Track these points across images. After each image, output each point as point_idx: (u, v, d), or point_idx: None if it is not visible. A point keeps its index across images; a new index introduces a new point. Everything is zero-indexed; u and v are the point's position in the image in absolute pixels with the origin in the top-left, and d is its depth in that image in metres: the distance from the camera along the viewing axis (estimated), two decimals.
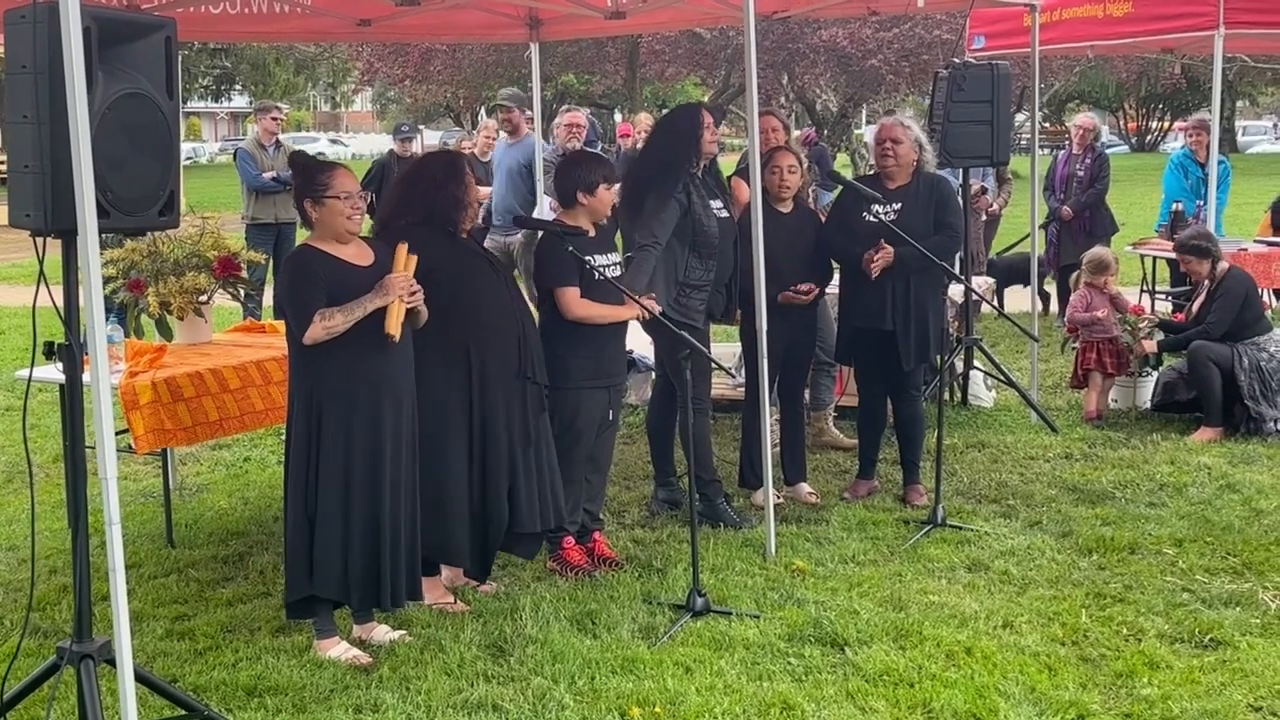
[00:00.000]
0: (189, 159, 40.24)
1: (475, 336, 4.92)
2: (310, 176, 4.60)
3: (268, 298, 7.22)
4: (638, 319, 5.46)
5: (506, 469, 5.00)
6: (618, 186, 5.86)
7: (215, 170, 42.75)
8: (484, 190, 11.70)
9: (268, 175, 11.17)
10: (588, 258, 5.23)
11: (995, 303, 8.94)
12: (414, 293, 4.55)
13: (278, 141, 11.63)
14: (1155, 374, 8.16)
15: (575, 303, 5.28)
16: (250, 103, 54.24)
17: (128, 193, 3.53)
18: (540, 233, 5.56)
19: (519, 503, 5.03)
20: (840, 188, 6.55)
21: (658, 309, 5.44)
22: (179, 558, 5.85)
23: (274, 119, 11.70)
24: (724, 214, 6.07)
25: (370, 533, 4.57)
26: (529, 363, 5.02)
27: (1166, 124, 52.52)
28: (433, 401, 4.81)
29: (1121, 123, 55.49)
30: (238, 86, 55.09)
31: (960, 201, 7.44)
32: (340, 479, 4.52)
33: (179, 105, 3.70)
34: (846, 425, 7.63)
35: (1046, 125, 46.95)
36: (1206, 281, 7.88)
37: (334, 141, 63.68)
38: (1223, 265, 7.82)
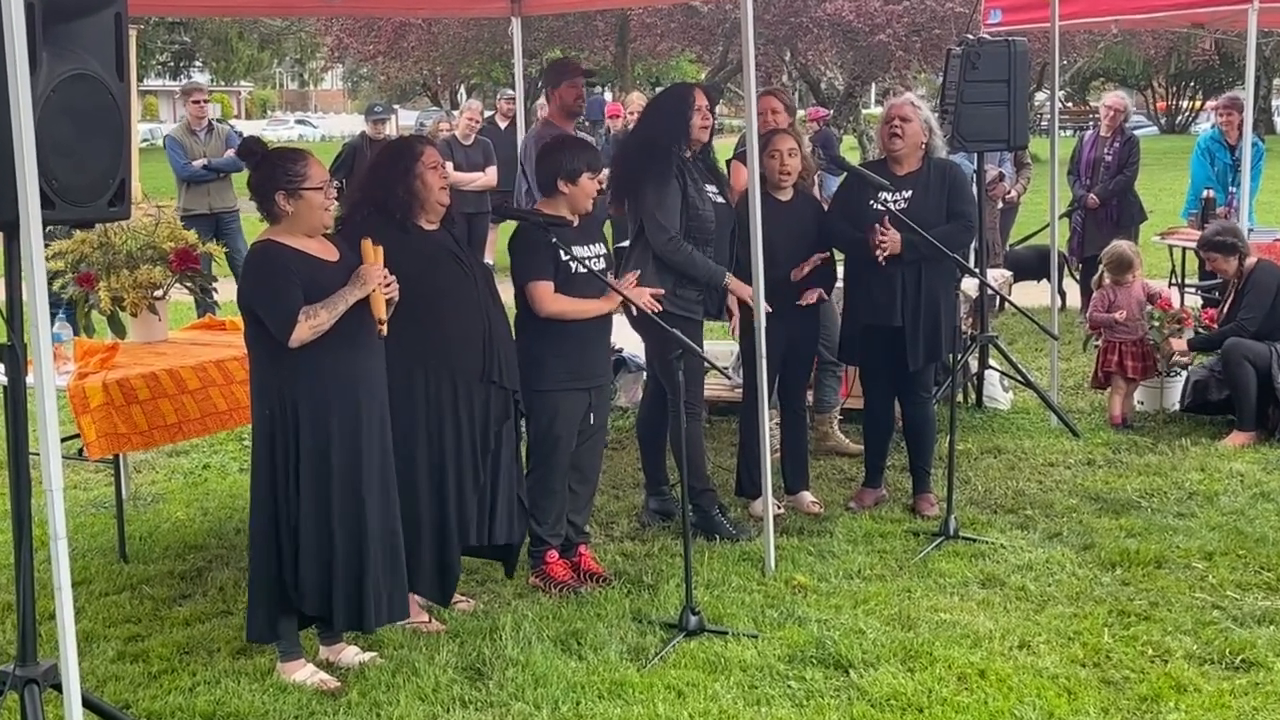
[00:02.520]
0: (145, 141, 40.06)
1: (433, 337, 4.91)
2: (282, 166, 4.57)
3: (220, 292, 7.22)
4: (622, 311, 5.46)
5: (460, 480, 5.00)
6: (604, 173, 5.86)
7: None
8: (464, 175, 11.75)
9: (198, 163, 11.14)
10: (570, 249, 5.24)
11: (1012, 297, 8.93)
12: (389, 283, 4.57)
13: (210, 125, 11.58)
14: (1185, 373, 8.17)
15: (548, 298, 5.28)
16: (212, 80, 54.21)
17: (74, 181, 3.53)
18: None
19: (474, 516, 5.04)
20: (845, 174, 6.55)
21: (652, 303, 5.44)
22: (132, 573, 5.84)
23: (196, 102, 11.66)
24: (720, 200, 6.08)
25: (354, 543, 4.57)
26: (495, 365, 5.02)
27: (1198, 103, 52.55)
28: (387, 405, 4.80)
29: (1150, 102, 55.56)
30: (198, 63, 54.96)
31: (975, 189, 7.45)
32: (323, 486, 4.52)
33: (130, 87, 3.70)
34: (852, 429, 7.64)
35: (1069, 105, 47.09)
36: (1235, 280, 7.90)
37: (301, 122, 63.60)
38: (1250, 260, 7.86)
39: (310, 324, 4.42)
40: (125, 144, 3.67)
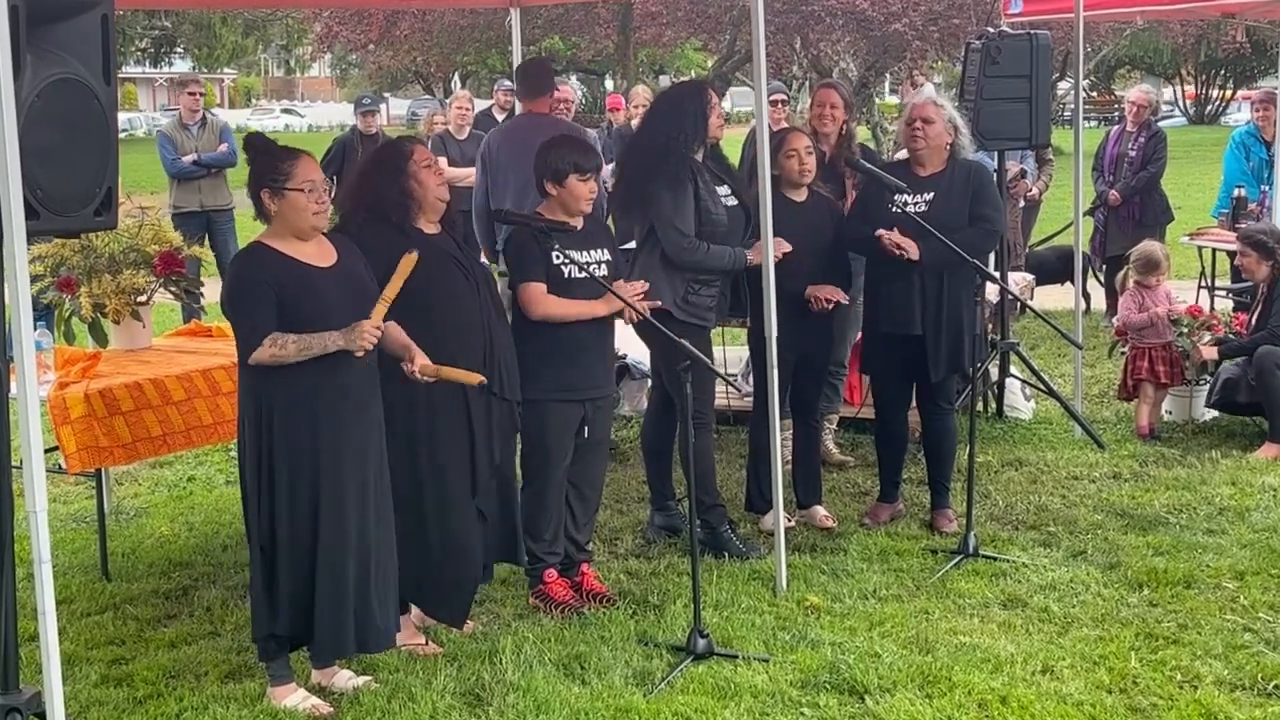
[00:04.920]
0: (124, 131, 40.13)
1: (434, 346, 4.93)
2: (269, 163, 4.60)
3: (208, 294, 7.25)
4: (627, 321, 5.48)
5: (462, 496, 5.05)
6: (605, 171, 5.86)
7: (153, 144, 42.70)
8: (459, 171, 11.76)
9: (187, 159, 11.17)
10: (567, 253, 5.25)
11: (1034, 302, 8.94)
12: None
13: (203, 118, 11.62)
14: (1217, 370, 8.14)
15: (538, 299, 5.30)
16: (193, 67, 54.29)
17: (60, 190, 3.56)
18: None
19: (481, 533, 5.11)
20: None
21: (644, 308, 5.44)
22: (115, 592, 5.86)
23: (191, 94, 11.68)
24: (732, 201, 6.09)
25: (333, 566, 4.59)
26: (496, 376, 5.05)
27: (1229, 93, 52.53)
28: (383, 418, 4.82)
29: (1178, 91, 55.53)
30: (179, 50, 55.03)
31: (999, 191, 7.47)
32: (299, 502, 4.55)
33: (116, 92, 3.72)
34: (865, 440, 7.65)
35: (1093, 95, 47.08)
36: (1263, 286, 7.92)
37: (288, 111, 63.70)
38: None
39: (272, 351, 4.45)
40: (112, 151, 3.70)
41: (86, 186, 3.65)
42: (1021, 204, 11.07)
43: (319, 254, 4.65)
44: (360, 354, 4.53)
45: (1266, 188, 10.33)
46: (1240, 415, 7.99)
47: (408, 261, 4.64)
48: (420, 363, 4.68)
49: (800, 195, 6.38)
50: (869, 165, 6.37)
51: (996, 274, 7.53)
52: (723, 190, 6.07)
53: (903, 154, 6.70)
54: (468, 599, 5.22)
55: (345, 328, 4.50)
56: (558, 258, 5.29)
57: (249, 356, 4.48)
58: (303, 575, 4.58)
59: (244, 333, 4.50)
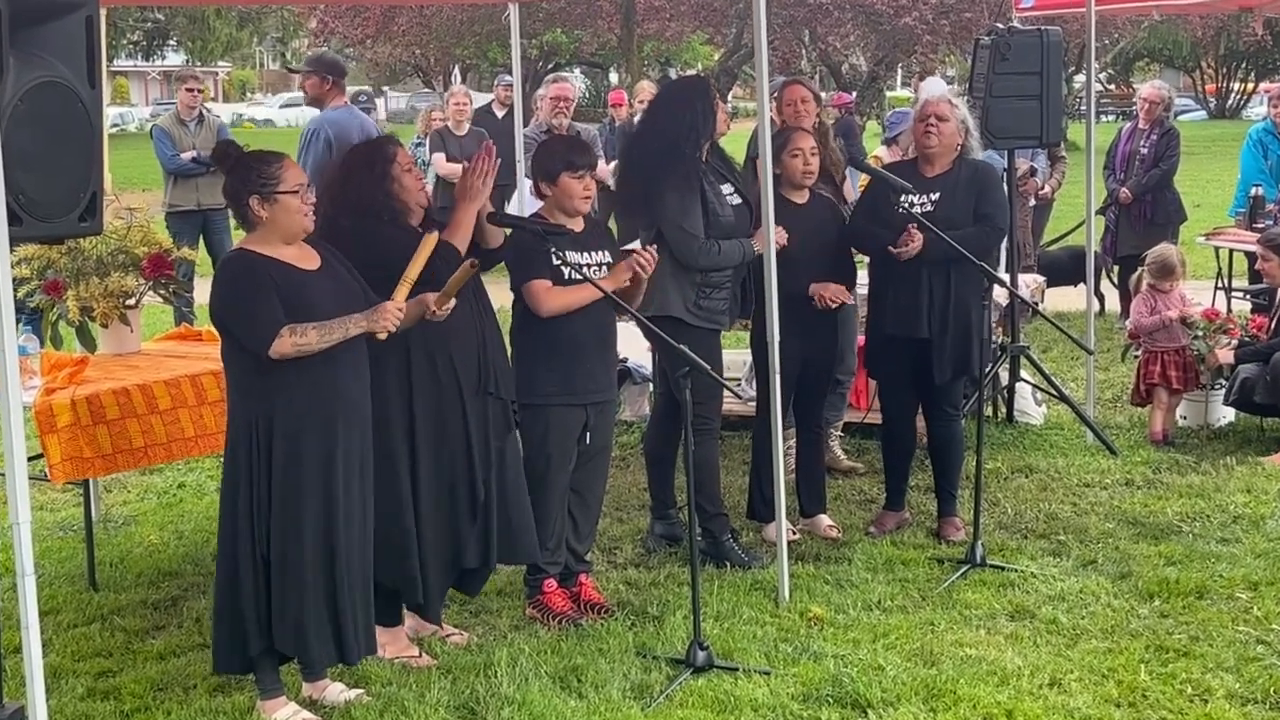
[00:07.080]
0: (115, 126, 40.19)
1: (427, 343, 4.96)
2: (256, 169, 4.61)
3: (200, 295, 7.29)
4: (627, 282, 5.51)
5: (455, 499, 5.09)
6: (602, 169, 5.87)
7: (145, 140, 42.63)
8: (454, 168, 11.81)
9: (186, 155, 11.19)
10: (564, 256, 5.27)
11: (1044, 306, 8.95)
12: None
13: (200, 115, 11.66)
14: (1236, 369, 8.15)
15: (546, 295, 5.30)
16: (187, 61, 54.37)
17: (43, 196, 3.58)
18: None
19: (472, 536, 5.15)
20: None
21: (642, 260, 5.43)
22: (102, 602, 5.88)
23: (190, 90, 11.71)
24: (737, 200, 6.11)
25: (328, 576, 4.62)
26: (490, 376, 5.08)
27: (1250, 86, 52.49)
28: (377, 417, 4.85)
29: (1198, 84, 55.45)
30: (172, 42, 55.05)
31: (1005, 188, 7.48)
32: (297, 511, 4.57)
33: (102, 95, 3.74)
34: (872, 446, 7.67)
35: (1111, 88, 47.04)
36: None
37: (285, 106, 63.64)
38: None
39: (294, 341, 4.44)
40: (97, 155, 3.72)
41: (70, 192, 3.68)
42: (1032, 203, 11.07)
43: (304, 257, 4.67)
44: (383, 335, 4.58)
45: None
46: (1257, 415, 8.00)
47: (429, 241, 4.68)
48: (433, 300, 4.73)
49: (801, 197, 6.39)
50: (873, 166, 6.38)
51: (1004, 276, 7.53)
52: (726, 188, 6.09)
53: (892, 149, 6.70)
54: (441, 596, 5.32)
55: (366, 310, 4.55)
56: (556, 259, 5.31)
57: (268, 350, 4.42)
58: (304, 584, 4.59)
59: (254, 329, 4.46)
